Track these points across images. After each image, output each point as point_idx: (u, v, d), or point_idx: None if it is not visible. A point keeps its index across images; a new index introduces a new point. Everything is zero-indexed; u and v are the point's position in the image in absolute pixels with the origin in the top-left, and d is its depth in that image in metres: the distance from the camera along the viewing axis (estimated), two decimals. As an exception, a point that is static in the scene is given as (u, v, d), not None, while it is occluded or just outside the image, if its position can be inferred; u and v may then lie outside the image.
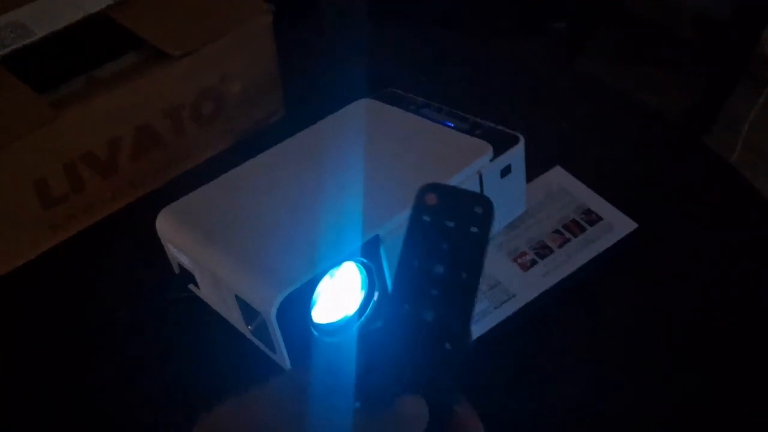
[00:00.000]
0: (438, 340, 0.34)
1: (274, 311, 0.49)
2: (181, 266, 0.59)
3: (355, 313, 0.56)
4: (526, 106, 0.80)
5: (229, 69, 0.70)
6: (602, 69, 1.70)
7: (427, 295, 0.35)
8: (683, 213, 0.70)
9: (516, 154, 0.61)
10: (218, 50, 0.68)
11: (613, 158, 0.74)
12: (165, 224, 0.59)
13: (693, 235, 0.68)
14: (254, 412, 0.33)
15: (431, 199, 0.37)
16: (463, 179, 0.58)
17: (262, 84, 0.74)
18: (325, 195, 0.57)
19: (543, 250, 0.63)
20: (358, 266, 0.55)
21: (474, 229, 0.35)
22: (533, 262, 0.62)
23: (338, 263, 0.53)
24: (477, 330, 0.58)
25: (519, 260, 0.63)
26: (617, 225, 0.65)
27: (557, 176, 0.69)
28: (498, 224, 0.63)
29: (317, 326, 0.54)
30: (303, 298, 0.51)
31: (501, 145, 0.60)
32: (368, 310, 0.56)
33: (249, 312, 0.53)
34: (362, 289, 0.56)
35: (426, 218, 0.37)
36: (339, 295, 0.55)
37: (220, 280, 0.54)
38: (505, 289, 0.61)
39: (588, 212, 0.66)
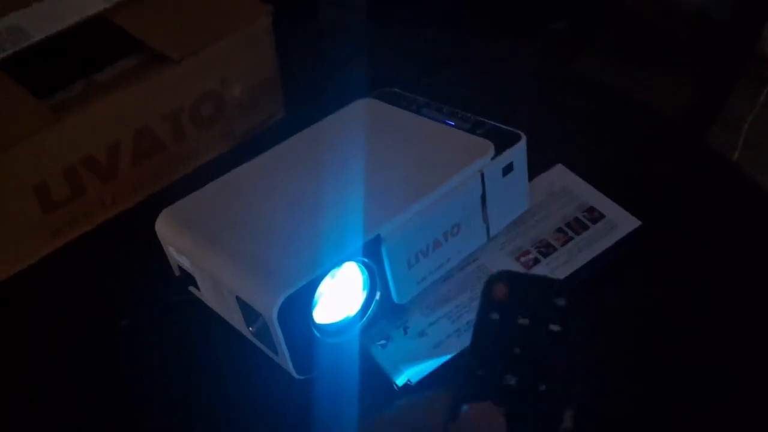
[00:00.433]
0: None
1: (275, 312, 0.49)
2: (181, 268, 0.59)
3: (357, 313, 0.56)
4: (527, 105, 0.80)
5: (229, 71, 0.70)
6: (602, 69, 1.70)
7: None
8: (686, 210, 0.70)
9: (518, 152, 0.60)
10: (218, 53, 0.68)
11: (615, 156, 0.74)
12: (165, 226, 0.59)
13: (696, 233, 0.67)
14: None
15: (500, 291, 0.30)
16: (464, 178, 0.57)
17: (262, 86, 0.74)
18: (326, 195, 0.57)
19: (546, 249, 0.63)
20: (359, 266, 0.55)
21: (554, 327, 0.29)
22: (536, 261, 0.62)
23: (339, 263, 0.53)
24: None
25: (522, 259, 0.62)
26: (620, 223, 0.65)
27: (559, 174, 0.69)
28: (500, 223, 0.63)
29: (319, 327, 0.54)
30: (304, 298, 0.51)
31: (502, 144, 0.60)
32: (370, 310, 0.56)
33: (250, 313, 0.53)
34: (364, 289, 0.56)
35: (494, 316, 0.30)
36: (340, 296, 0.55)
37: (220, 282, 0.54)
38: (508, 288, 0.60)
39: (591, 210, 0.66)
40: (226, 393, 0.57)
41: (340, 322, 0.56)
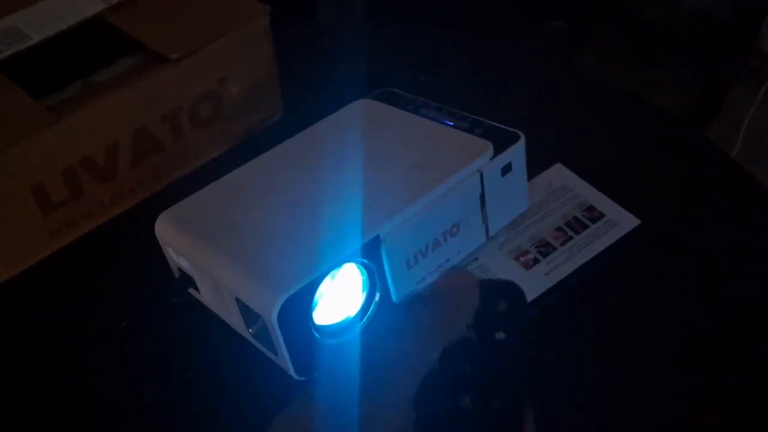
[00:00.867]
0: None
1: (275, 314, 0.49)
2: (180, 270, 0.59)
3: (357, 314, 0.56)
4: (526, 104, 0.79)
5: (227, 71, 0.70)
6: (602, 68, 1.70)
7: None
8: (686, 209, 0.70)
9: (517, 152, 0.60)
10: (216, 52, 0.68)
11: (614, 155, 0.74)
12: (164, 228, 0.58)
13: (696, 231, 0.67)
14: None
15: None
16: (463, 178, 0.57)
17: (260, 86, 0.74)
18: (325, 196, 0.57)
19: (545, 248, 0.63)
20: (358, 267, 0.54)
21: (500, 335, 0.26)
22: (536, 261, 0.62)
23: (339, 265, 0.53)
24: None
25: (521, 259, 0.62)
26: (620, 222, 0.65)
27: (558, 173, 0.69)
28: (499, 223, 0.63)
29: (319, 328, 0.53)
30: (304, 300, 0.51)
31: (501, 143, 0.60)
32: (370, 311, 0.56)
33: (250, 315, 0.53)
34: (363, 290, 0.56)
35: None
36: (340, 297, 0.55)
37: (220, 284, 0.54)
38: (508, 288, 0.60)
39: (590, 209, 0.66)
40: (225, 394, 0.57)
41: (340, 323, 0.55)
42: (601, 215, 0.65)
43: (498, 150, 0.59)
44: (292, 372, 0.53)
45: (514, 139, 0.60)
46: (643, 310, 0.62)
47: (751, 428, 0.55)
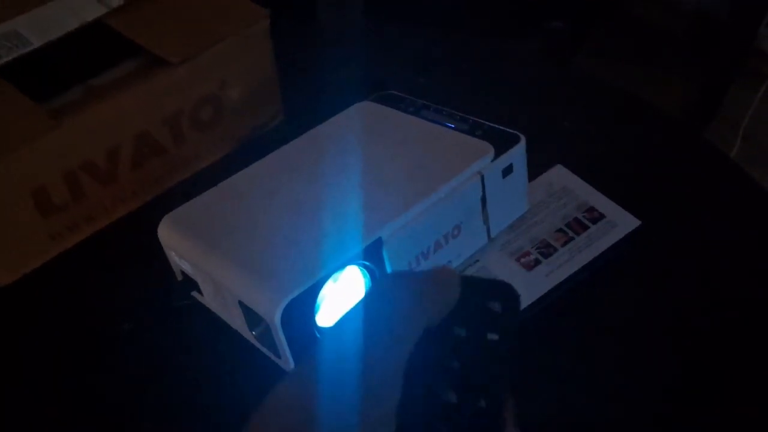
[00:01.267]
0: None
1: (278, 316, 0.49)
2: (183, 273, 0.59)
3: (359, 316, 0.56)
4: (526, 105, 0.80)
5: (227, 75, 0.70)
6: (601, 68, 1.70)
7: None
8: (686, 209, 0.70)
9: (517, 154, 0.60)
10: (217, 56, 0.68)
11: (614, 156, 0.74)
12: (167, 232, 0.59)
13: (696, 231, 0.68)
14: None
15: None
16: (464, 180, 0.57)
17: (260, 89, 0.74)
18: (327, 199, 0.57)
19: (546, 249, 0.63)
20: (361, 270, 0.55)
21: (492, 336, 0.26)
22: (537, 262, 0.62)
23: (341, 267, 0.53)
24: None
25: (522, 260, 0.62)
26: (620, 222, 0.65)
27: (559, 175, 0.69)
28: (500, 224, 0.63)
29: (322, 330, 0.54)
30: (307, 302, 0.51)
31: (502, 145, 0.60)
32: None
33: (253, 318, 0.53)
34: (365, 292, 0.56)
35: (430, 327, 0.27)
36: (343, 299, 0.55)
37: (222, 287, 0.54)
38: (509, 289, 0.60)
39: (591, 210, 0.66)
40: (228, 396, 0.57)
41: (342, 325, 0.56)
42: (602, 216, 0.65)
43: (499, 152, 0.59)
44: (294, 374, 0.53)
45: (515, 140, 0.60)
46: (643, 310, 0.62)
47: (751, 428, 0.55)
